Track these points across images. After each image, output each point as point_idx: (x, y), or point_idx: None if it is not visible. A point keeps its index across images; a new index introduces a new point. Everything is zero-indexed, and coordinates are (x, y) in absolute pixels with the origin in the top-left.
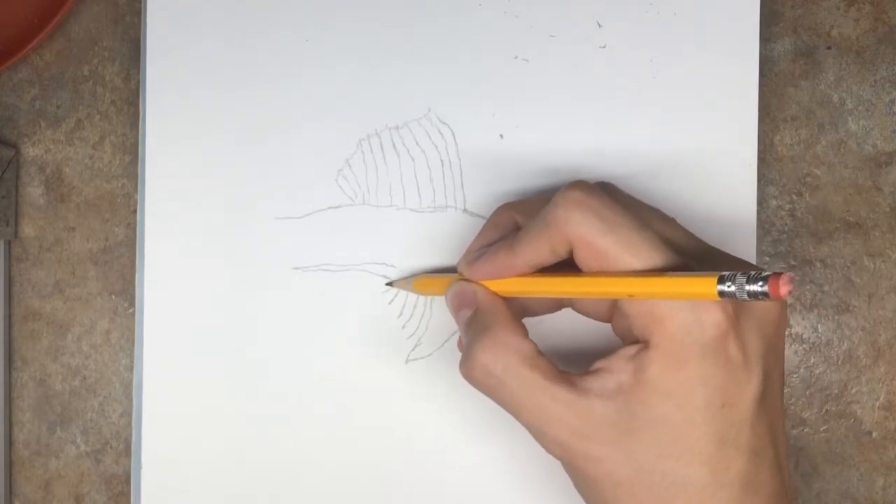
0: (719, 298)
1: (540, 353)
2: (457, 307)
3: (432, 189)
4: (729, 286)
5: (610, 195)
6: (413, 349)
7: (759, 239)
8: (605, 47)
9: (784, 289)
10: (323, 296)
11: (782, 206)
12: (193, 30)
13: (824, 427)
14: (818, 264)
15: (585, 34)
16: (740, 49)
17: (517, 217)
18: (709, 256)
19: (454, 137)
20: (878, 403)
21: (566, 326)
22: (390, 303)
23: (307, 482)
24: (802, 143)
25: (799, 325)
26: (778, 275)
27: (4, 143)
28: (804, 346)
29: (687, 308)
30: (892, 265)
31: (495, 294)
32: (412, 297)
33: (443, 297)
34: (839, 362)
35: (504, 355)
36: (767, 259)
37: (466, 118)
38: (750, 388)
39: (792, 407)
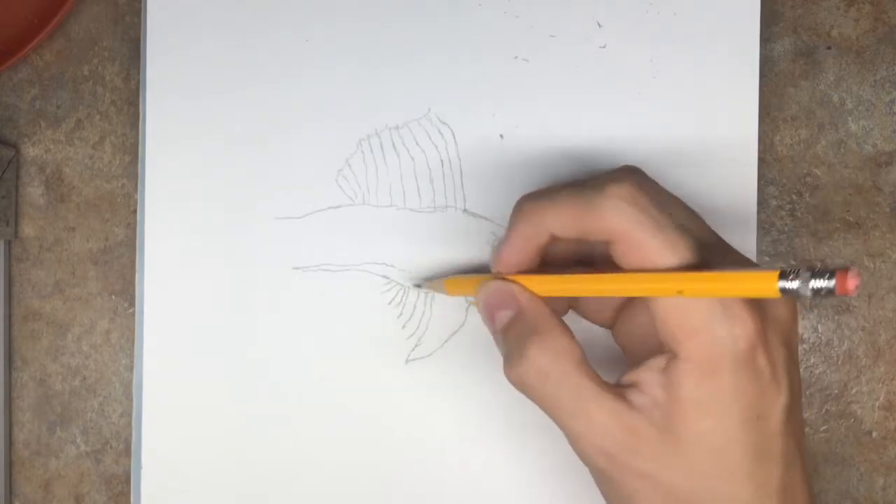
0: (780, 295)
1: (586, 358)
2: (493, 309)
3: (432, 189)
4: (792, 281)
5: (655, 190)
6: (413, 349)
7: (759, 239)
8: (605, 47)
9: (852, 283)
10: (323, 296)
11: (782, 206)
12: (193, 30)
13: (824, 427)
14: (818, 264)
15: (585, 34)
16: (740, 49)
17: (550, 222)
18: (728, 254)
19: (454, 137)
20: (878, 403)
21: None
22: (390, 303)
23: (307, 482)
24: (802, 143)
25: (799, 325)
26: (845, 269)
27: (4, 143)
28: (804, 346)
29: (720, 319)
30: (892, 265)
31: (535, 294)
32: (412, 296)
33: (445, 296)
34: (839, 362)
35: (558, 358)
36: (767, 259)
37: (466, 118)
38: (780, 398)
39: None
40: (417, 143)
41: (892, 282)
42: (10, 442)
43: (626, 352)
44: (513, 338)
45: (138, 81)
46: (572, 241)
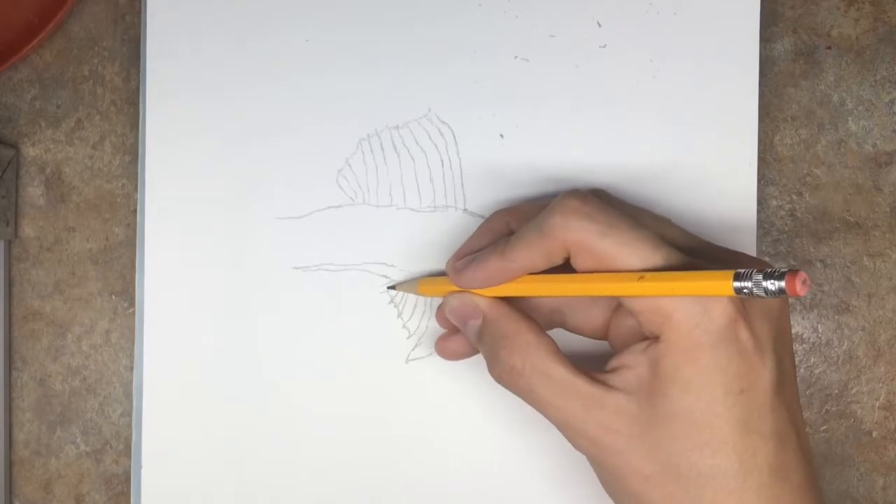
0: (734, 295)
1: (559, 350)
2: (462, 319)
3: (432, 189)
4: (745, 283)
5: (604, 200)
6: (413, 349)
7: (759, 239)
8: (605, 47)
9: (801, 287)
10: (323, 296)
11: (782, 206)
12: (193, 30)
13: (824, 427)
14: (818, 264)
15: (585, 34)
16: (740, 49)
17: (511, 222)
18: (707, 251)
19: (454, 137)
20: (878, 403)
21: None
22: (390, 303)
23: (307, 482)
24: (802, 143)
25: (799, 325)
26: (795, 272)
27: (4, 143)
28: (804, 346)
29: (693, 299)
30: (892, 265)
31: (496, 299)
32: (412, 297)
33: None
34: (839, 362)
35: (529, 355)
36: (768, 259)
37: (466, 118)
38: (765, 372)
39: None
40: (417, 143)
41: (892, 282)
42: (10, 442)
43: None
44: (486, 343)
45: (138, 81)
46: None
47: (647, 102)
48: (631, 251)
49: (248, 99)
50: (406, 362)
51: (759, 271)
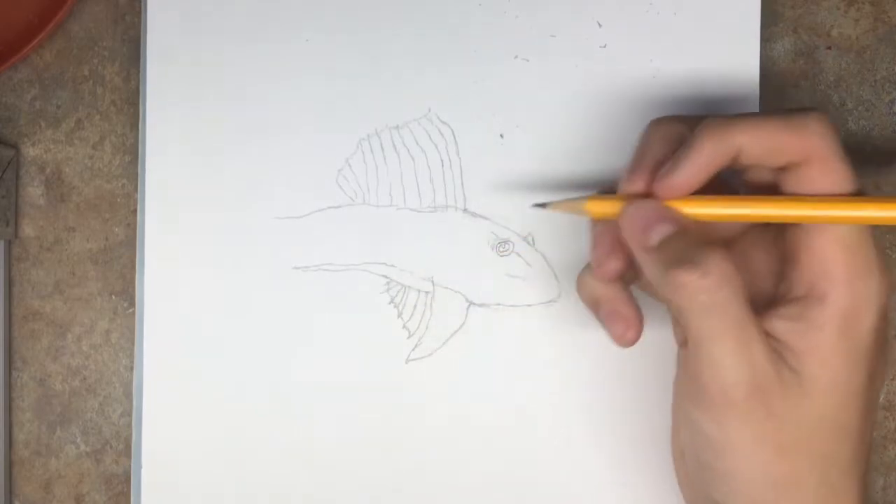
0: None
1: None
2: (650, 223)
3: (432, 189)
4: None
5: None
6: (413, 349)
7: None
8: (605, 47)
9: None
10: (323, 296)
11: None
12: (193, 30)
13: None
14: None
15: (585, 34)
16: (740, 49)
17: (686, 132)
18: None
19: (454, 137)
20: (878, 403)
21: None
22: (390, 303)
23: (307, 482)
24: None
25: None
26: None
27: (4, 143)
28: None
29: (869, 273)
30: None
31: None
32: (412, 297)
33: (445, 295)
34: None
35: (736, 277)
36: None
37: (466, 118)
38: (885, 371)
39: None
40: (417, 143)
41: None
42: (10, 442)
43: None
44: (677, 249)
45: (138, 81)
46: (745, 166)
47: (647, 102)
48: (852, 184)
49: (248, 99)
50: (406, 362)
51: None
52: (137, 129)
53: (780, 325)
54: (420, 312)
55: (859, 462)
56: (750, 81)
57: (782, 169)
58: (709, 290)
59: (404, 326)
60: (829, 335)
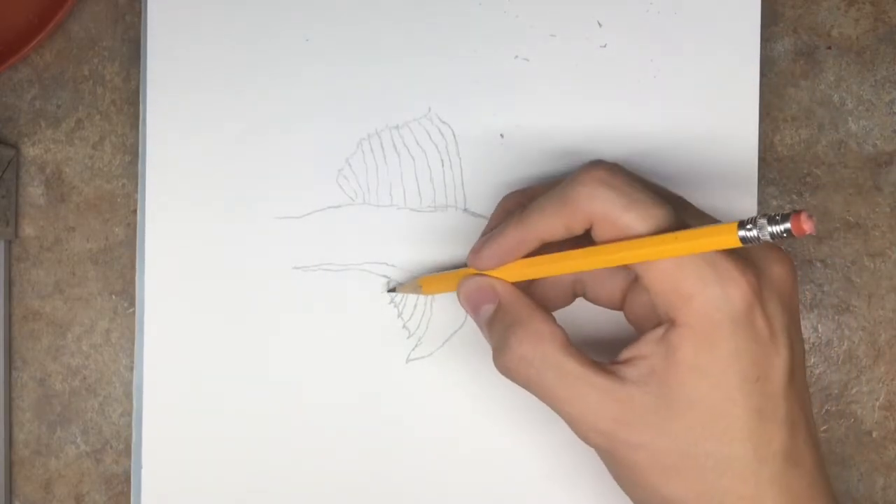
0: (741, 244)
1: (570, 342)
2: (475, 304)
3: (432, 189)
4: (750, 229)
5: (626, 173)
6: (413, 349)
7: None
8: (605, 47)
9: (807, 224)
10: (323, 296)
11: (782, 206)
12: (193, 29)
13: (824, 427)
14: (818, 264)
15: (585, 34)
16: (741, 49)
17: (525, 202)
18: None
19: (454, 137)
20: (878, 403)
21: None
22: (390, 303)
23: (307, 482)
24: (802, 143)
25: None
26: (799, 212)
27: (4, 143)
28: (804, 345)
29: (714, 282)
30: (892, 265)
31: (511, 286)
32: (412, 296)
33: (445, 295)
34: (839, 362)
35: (541, 344)
36: None
37: (466, 118)
38: (780, 360)
39: None
40: (418, 143)
41: (892, 282)
42: (10, 442)
43: (637, 330)
44: (497, 330)
45: (138, 81)
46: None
47: (647, 102)
48: (652, 226)
49: (248, 98)
50: (406, 362)
51: (763, 216)
52: (137, 129)
53: (646, 348)
54: (420, 312)
55: (765, 460)
56: (750, 81)
57: (591, 229)
58: (525, 368)
59: (404, 326)
60: (685, 354)
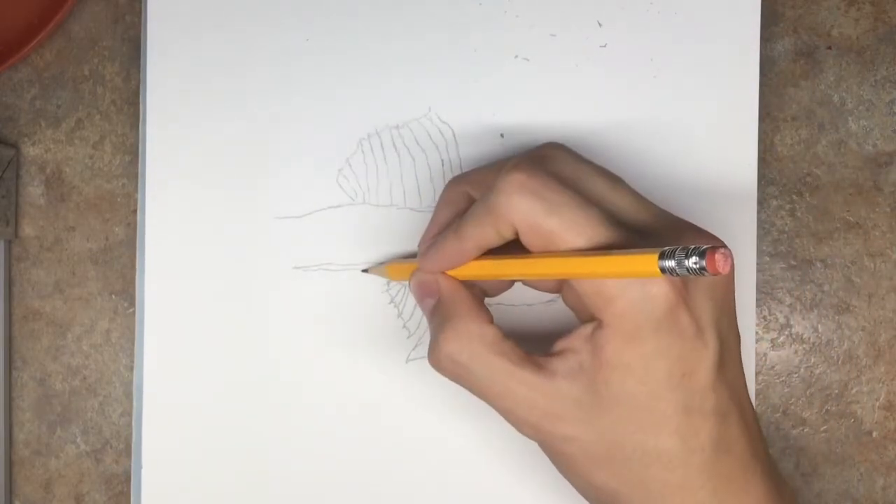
0: (661, 275)
1: (505, 337)
2: (420, 297)
3: (432, 189)
4: (669, 263)
5: (551, 173)
6: (413, 349)
7: (760, 239)
8: (605, 47)
9: (722, 264)
10: (323, 295)
11: (782, 206)
12: (193, 30)
13: (824, 427)
14: (818, 264)
15: (585, 34)
16: (740, 49)
17: (469, 191)
18: (655, 222)
19: (454, 137)
20: (878, 403)
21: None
22: (390, 303)
23: (307, 481)
24: (802, 143)
25: (799, 325)
26: (714, 249)
27: (4, 142)
28: (804, 346)
29: (634, 284)
30: (892, 265)
31: (456, 280)
32: (412, 296)
33: None
34: (839, 362)
35: (468, 343)
36: (768, 259)
37: (467, 118)
38: (707, 354)
39: (792, 407)
40: (418, 143)
41: (892, 282)
42: (10, 442)
43: (576, 314)
44: (434, 324)
45: (138, 81)
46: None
47: (647, 102)
48: (577, 231)
49: (248, 98)
50: (406, 362)
51: (683, 249)
52: (137, 129)
53: (576, 342)
54: (420, 312)
55: (694, 451)
56: (750, 81)
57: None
58: (453, 366)
59: (404, 326)
60: (611, 353)
